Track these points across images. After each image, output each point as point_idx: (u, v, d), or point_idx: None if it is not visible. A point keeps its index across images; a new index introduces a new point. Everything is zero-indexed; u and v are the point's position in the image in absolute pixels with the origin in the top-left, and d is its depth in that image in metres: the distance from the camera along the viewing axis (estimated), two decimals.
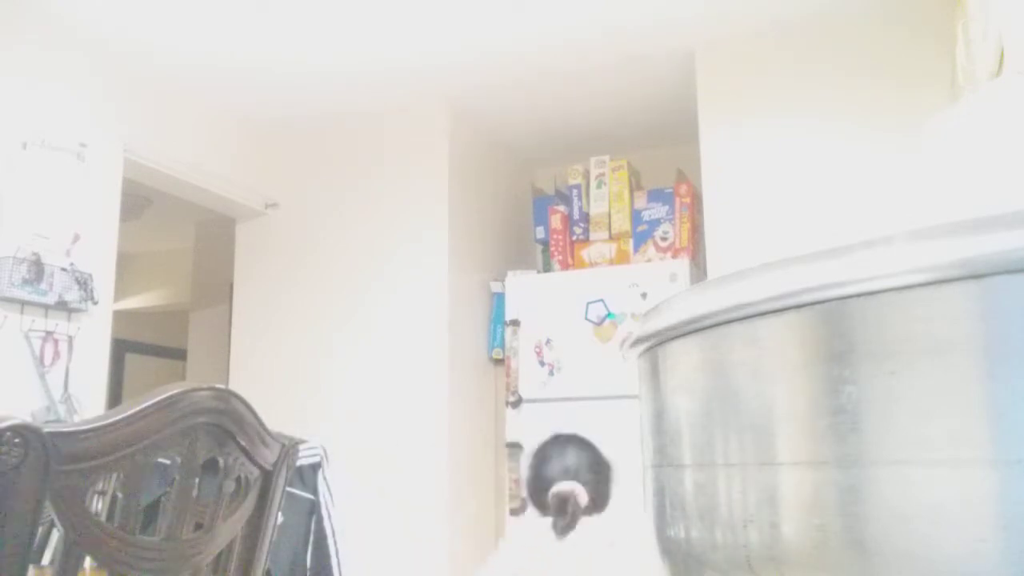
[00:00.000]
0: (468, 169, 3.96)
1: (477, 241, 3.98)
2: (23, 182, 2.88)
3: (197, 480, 1.08)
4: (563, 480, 2.00)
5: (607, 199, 3.84)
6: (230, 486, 1.17)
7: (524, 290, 3.79)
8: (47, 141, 2.96)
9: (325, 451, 2.44)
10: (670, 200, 3.73)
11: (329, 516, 2.42)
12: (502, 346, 3.86)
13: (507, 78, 3.61)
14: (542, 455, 2.10)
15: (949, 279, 0.74)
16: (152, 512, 1.10)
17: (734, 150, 3.27)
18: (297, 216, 4.04)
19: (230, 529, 1.19)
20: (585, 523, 1.95)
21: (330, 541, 2.41)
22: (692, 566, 1.01)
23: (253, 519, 1.25)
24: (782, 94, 3.22)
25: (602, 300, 3.60)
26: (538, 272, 3.94)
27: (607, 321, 3.58)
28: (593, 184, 3.87)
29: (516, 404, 3.69)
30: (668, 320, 1.02)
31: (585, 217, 3.86)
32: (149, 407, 1.00)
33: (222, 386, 1.13)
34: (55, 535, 1.39)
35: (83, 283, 2.98)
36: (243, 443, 1.16)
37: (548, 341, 3.67)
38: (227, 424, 1.13)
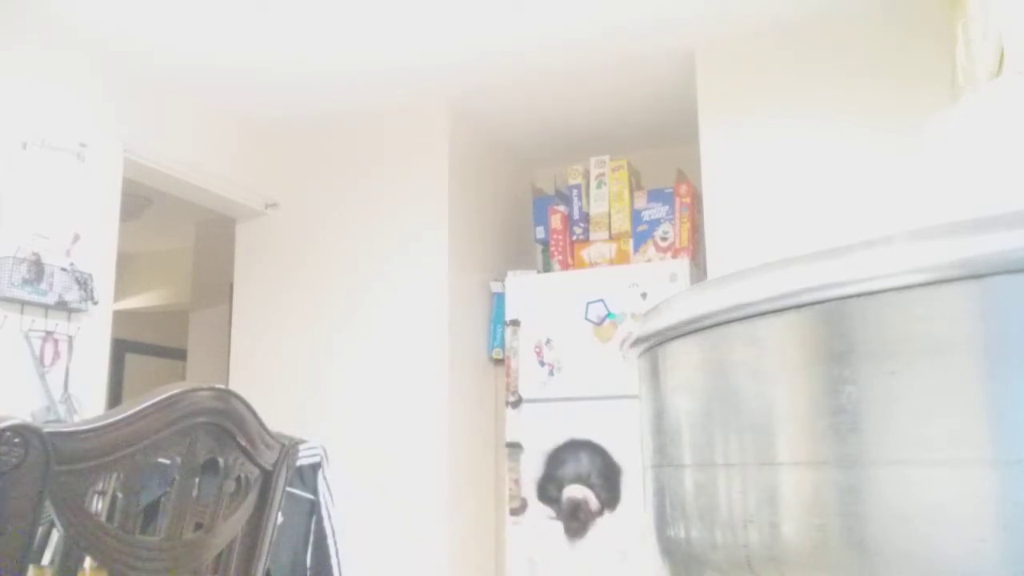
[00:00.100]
0: (468, 169, 3.96)
1: (477, 241, 3.98)
2: (23, 182, 2.88)
3: (197, 480, 1.08)
4: (574, 483, 2.03)
5: (607, 199, 3.84)
6: (230, 486, 1.17)
7: (524, 290, 3.79)
8: (47, 141, 2.96)
9: (325, 451, 2.44)
10: (670, 200, 3.73)
11: (329, 516, 2.41)
12: (502, 346, 3.86)
13: (507, 78, 3.61)
14: (557, 458, 2.14)
15: (949, 279, 0.74)
16: (152, 512, 1.10)
17: (734, 150, 3.27)
18: (297, 216, 4.04)
19: (230, 529, 1.19)
20: (597, 527, 1.97)
21: (330, 541, 2.41)
22: (692, 566, 1.01)
23: (253, 519, 1.25)
24: (782, 94, 3.22)
25: (602, 300, 3.60)
26: (538, 272, 3.94)
27: (607, 321, 3.58)
28: (593, 184, 3.87)
29: (516, 404, 3.69)
30: (668, 320, 1.02)
31: (585, 217, 3.86)
32: (149, 407, 1.00)
33: (222, 386, 1.13)
34: (55, 535, 1.39)
35: (83, 283, 2.98)
36: (243, 443, 1.17)
37: (548, 341, 3.67)
38: (227, 424, 1.13)
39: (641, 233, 3.75)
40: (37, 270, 2.84)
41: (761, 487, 0.87)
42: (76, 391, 2.96)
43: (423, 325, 3.66)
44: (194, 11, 3.03)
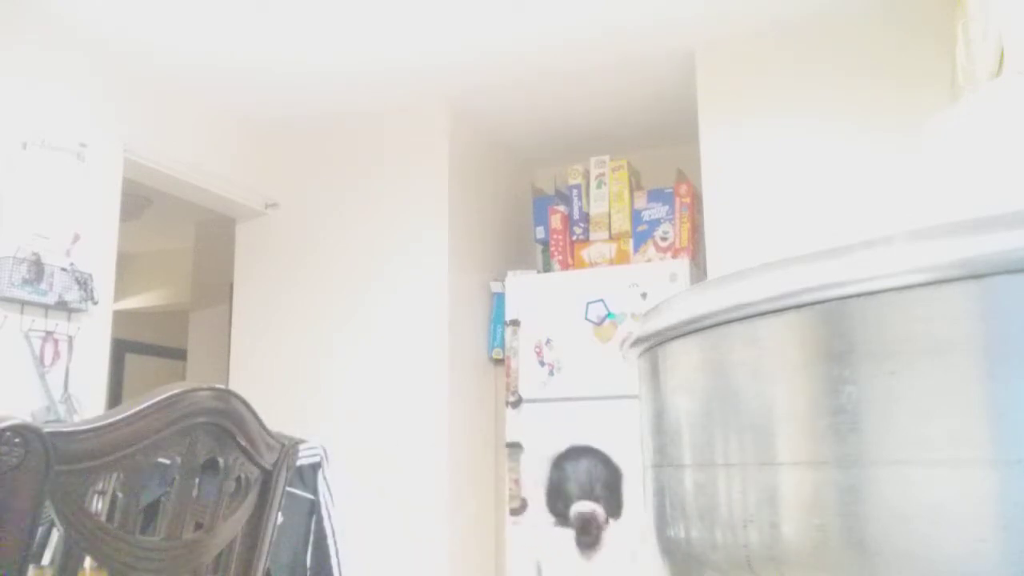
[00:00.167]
0: (468, 169, 3.96)
1: (477, 241, 3.98)
2: (23, 182, 2.88)
3: (197, 480, 1.08)
4: (582, 498, 2.07)
5: (607, 199, 3.84)
6: (230, 486, 1.17)
7: (524, 290, 3.79)
8: (47, 141, 2.96)
9: (325, 451, 2.44)
10: (670, 200, 3.73)
11: (329, 516, 2.41)
12: (502, 346, 3.86)
13: (507, 78, 3.61)
14: (560, 467, 2.18)
15: (949, 279, 0.74)
16: (152, 512, 1.10)
17: (734, 150, 3.27)
18: (297, 216, 4.04)
19: (230, 529, 1.19)
20: (606, 537, 2.02)
21: (330, 541, 2.41)
22: (692, 566, 1.01)
23: (253, 519, 1.25)
24: (782, 94, 3.22)
25: (602, 300, 3.60)
26: (538, 272, 3.94)
27: (607, 321, 3.58)
28: (593, 184, 3.87)
29: (516, 404, 3.69)
30: (668, 320, 1.02)
31: (585, 217, 3.86)
32: (149, 407, 1.00)
33: (222, 386, 1.13)
34: (55, 535, 1.39)
35: (83, 283, 2.99)
36: (243, 443, 1.17)
37: (548, 341, 3.67)
38: (227, 424, 1.13)
39: (641, 233, 3.75)
40: (37, 270, 2.84)
41: (761, 487, 0.87)
42: (76, 391, 2.96)
43: (423, 325, 3.66)
44: (194, 11, 3.03)
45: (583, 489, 2.12)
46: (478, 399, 3.86)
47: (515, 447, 3.62)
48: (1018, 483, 0.69)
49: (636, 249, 3.74)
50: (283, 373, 3.86)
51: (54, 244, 2.94)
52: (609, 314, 3.58)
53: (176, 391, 1.04)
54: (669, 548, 1.06)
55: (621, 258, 3.76)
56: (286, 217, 4.06)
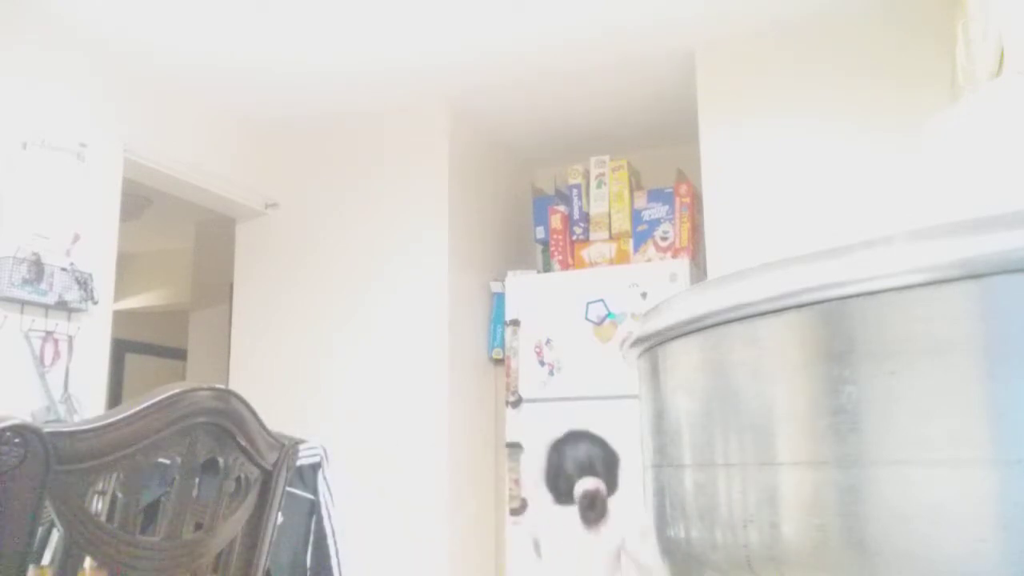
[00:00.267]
0: (468, 169, 3.96)
1: (477, 241, 3.98)
2: (23, 182, 2.88)
3: (197, 480, 1.08)
4: (583, 476, 2.14)
5: (607, 199, 3.84)
6: (230, 486, 1.17)
7: (524, 290, 3.79)
8: (47, 141, 2.96)
9: (325, 451, 2.44)
10: (670, 200, 3.73)
11: (329, 516, 2.41)
12: (502, 346, 3.86)
13: (507, 78, 3.61)
14: (559, 449, 2.24)
15: (949, 279, 0.74)
16: (152, 512, 1.10)
17: (734, 150, 3.27)
18: (297, 216, 4.04)
19: (230, 529, 1.19)
20: (613, 514, 2.11)
21: (330, 541, 2.41)
22: (692, 566, 1.01)
23: (253, 519, 1.25)
24: (782, 94, 3.22)
25: (602, 300, 3.60)
26: (538, 272, 3.94)
27: (607, 321, 3.58)
28: (593, 184, 3.87)
29: (516, 404, 3.69)
30: (668, 320, 1.02)
31: (585, 217, 3.86)
32: (149, 407, 1.00)
33: (222, 386, 1.13)
34: (55, 535, 1.39)
35: (83, 283, 2.98)
36: (243, 443, 1.17)
37: (548, 341, 3.67)
38: (227, 424, 1.13)
39: (641, 233, 3.74)
40: (37, 270, 2.84)
41: (761, 487, 0.87)
42: (76, 391, 2.96)
43: (423, 325, 3.66)
44: (194, 11, 3.03)
45: (586, 468, 2.21)
46: (478, 399, 3.86)
47: (515, 447, 3.62)
48: (1018, 483, 0.69)
49: (636, 249, 3.74)
50: (283, 373, 3.86)
51: (54, 244, 2.94)
52: (609, 314, 3.58)
53: (176, 391, 1.04)
54: (669, 548, 1.06)
55: (621, 258, 3.76)
56: (286, 217, 4.06)
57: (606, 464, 2.21)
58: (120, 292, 3.70)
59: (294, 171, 4.08)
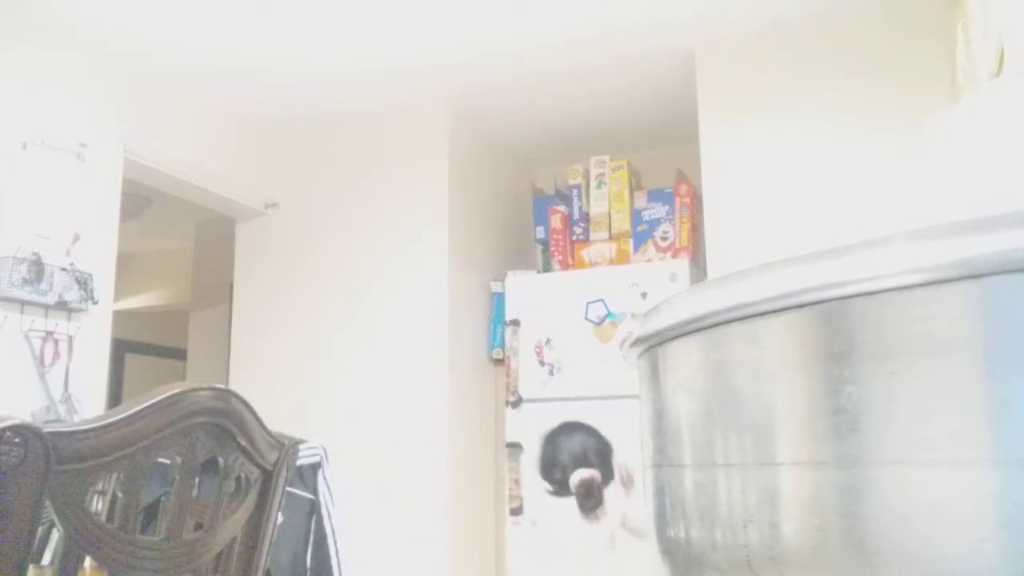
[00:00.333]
0: (468, 169, 3.96)
1: (477, 241, 3.98)
2: (23, 182, 2.88)
3: (197, 480, 1.08)
4: (578, 466, 2.18)
5: (607, 199, 3.84)
6: (230, 486, 1.17)
7: (524, 290, 3.79)
8: (47, 141, 2.96)
9: (325, 451, 2.44)
10: (670, 200, 3.73)
11: (329, 516, 2.41)
12: (502, 346, 3.86)
13: (507, 78, 3.61)
14: (553, 440, 2.28)
15: (949, 279, 0.74)
16: (152, 512, 1.10)
17: (734, 150, 3.27)
18: (297, 216, 4.04)
19: (230, 529, 1.19)
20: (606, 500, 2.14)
21: (330, 541, 2.41)
22: (692, 566, 1.01)
23: (253, 519, 1.25)
24: (782, 94, 3.22)
25: (602, 300, 3.60)
26: (538, 272, 3.94)
27: (607, 321, 3.58)
28: (593, 184, 3.87)
29: (516, 404, 3.69)
30: (668, 320, 1.02)
31: (585, 217, 3.86)
32: (149, 407, 1.00)
33: (222, 386, 1.13)
34: (55, 535, 1.39)
35: (83, 283, 2.99)
36: (243, 443, 1.17)
37: (548, 341, 3.67)
38: (227, 424, 1.13)
39: (641, 233, 3.75)
40: (37, 270, 2.84)
41: (761, 487, 0.87)
42: (76, 391, 2.96)
43: (423, 325, 3.66)
44: (194, 11, 3.03)
45: (580, 458, 2.25)
46: (478, 399, 3.86)
47: (515, 447, 3.62)
48: (1018, 483, 0.69)
49: (636, 249, 3.74)
50: (283, 373, 3.86)
51: (54, 244, 2.94)
52: (609, 314, 3.58)
53: (176, 391, 1.04)
54: (669, 548, 1.06)
55: (621, 258, 3.76)
56: (286, 217, 4.06)
57: (600, 454, 2.24)
58: (120, 292, 3.70)
59: (294, 171, 4.08)
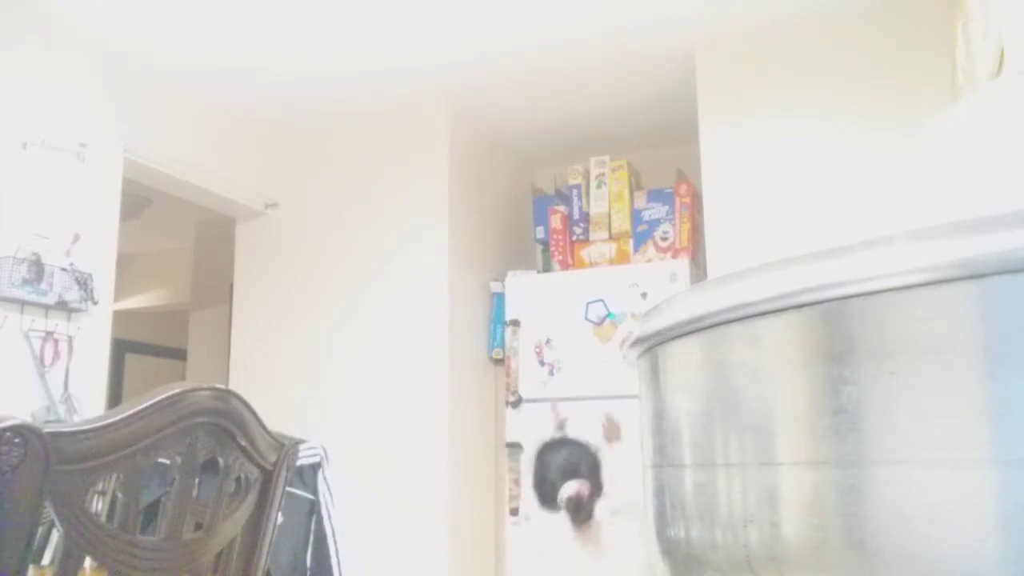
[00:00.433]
0: (468, 169, 3.96)
1: (477, 241, 3.98)
2: (23, 182, 2.88)
3: (197, 480, 1.08)
4: (569, 480, 2.18)
5: (607, 199, 3.84)
6: (230, 486, 1.17)
7: (524, 290, 3.79)
8: (47, 141, 2.96)
9: (325, 451, 2.44)
10: (670, 200, 3.73)
11: (329, 516, 2.41)
12: (502, 346, 3.86)
13: (507, 78, 3.61)
14: (540, 461, 2.30)
15: (949, 279, 0.74)
16: (152, 512, 1.10)
17: (734, 150, 3.27)
18: (297, 216, 4.04)
19: (230, 529, 1.19)
20: (596, 512, 2.15)
21: (330, 541, 2.40)
22: (692, 566, 1.01)
23: (253, 519, 1.25)
24: (782, 94, 3.22)
25: (602, 300, 3.60)
26: (538, 272, 3.94)
27: (607, 321, 3.58)
28: (593, 184, 3.87)
29: (516, 404, 3.69)
30: (668, 320, 1.02)
31: (585, 217, 3.86)
32: (149, 407, 1.00)
33: (222, 386, 1.13)
34: (55, 535, 1.39)
35: (83, 283, 2.98)
36: (243, 443, 1.17)
37: (548, 341, 3.67)
38: (227, 424, 1.13)
39: (641, 233, 3.75)
40: (37, 270, 2.84)
41: (761, 487, 0.87)
42: (76, 391, 2.96)
43: (423, 325, 3.66)
44: (194, 11, 3.03)
45: (569, 472, 2.27)
46: (478, 399, 3.86)
47: (515, 447, 3.62)
48: (1018, 483, 0.69)
49: (636, 249, 3.74)
50: (283, 373, 3.86)
51: (54, 244, 2.94)
52: (609, 314, 3.58)
53: (176, 391, 1.04)
54: (669, 548, 1.06)
55: (621, 258, 3.76)
56: (286, 217, 4.06)
57: (588, 466, 2.25)
58: (120, 292, 3.70)
59: (294, 171, 4.08)
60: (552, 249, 3.90)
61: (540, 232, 3.99)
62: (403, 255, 3.77)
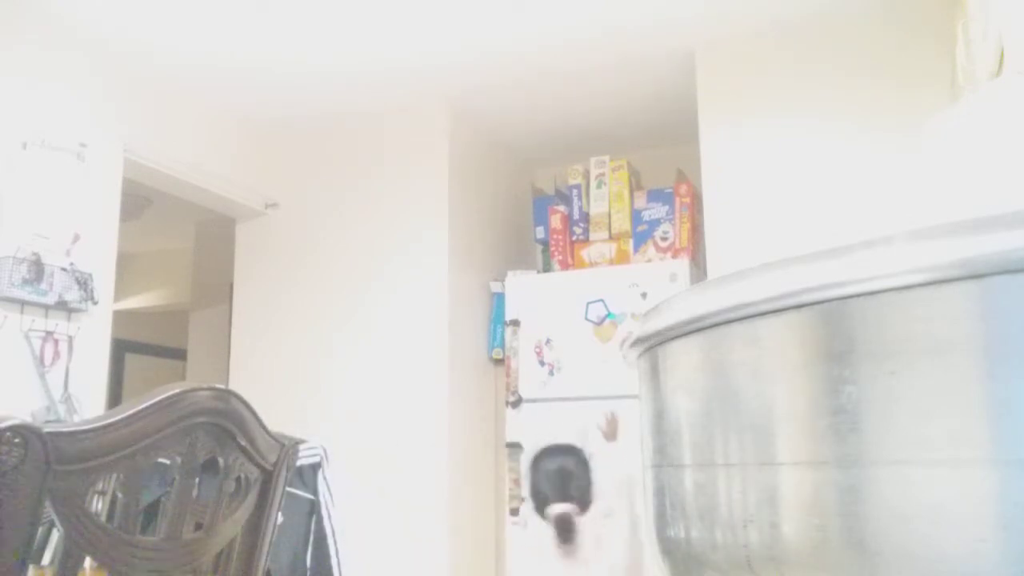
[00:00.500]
0: (468, 169, 3.96)
1: (477, 241, 3.98)
2: (23, 182, 2.88)
3: (197, 480, 1.09)
4: (558, 500, 2.24)
5: (607, 199, 3.84)
6: (230, 486, 1.17)
7: (524, 290, 3.79)
8: (47, 141, 2.96)
9: (325, 451, 2.44)
10: (670, 200, 3.73)
11: (329, 516, 2.41)
12: (502, 346, 3.86)
13: (507, 78, 3.61)
14: (536, 468, 2.34)
15: (949, 279, 0.74)
16: (152, 512, 1.10)
17: (734, 150, 3.27)
18: (297, 216, 4.04)
19: (230, 529, 1.19)
20: (581, 531, 2.18)
21: (330, 541, 2.41)
22: (692, 566, 1.01)
23: (253, 519, 1.25)
24: (782, 94, 3.22)
25: (602, 300, 3.60)
26: (538, 272, 3.94)
27: (607, 321, 3.58)
28: (593, 184, 3.87)
29: (516, 404, 3.69)
30: (668, 320, 1.02)
31: (585, 217, 3.86)
32: (149, 407, 1.00)
33: (222, 386, 1.13)
34: (55, 535, 1.39)
35: (83, 283, 2.98)
36: (243, 443, 1.17)
37: (548, 341, 3.67)
38: (227, 424, 1.13)
39: (641, 233, 3.74)
40: (37, 270, 2.83)
41: (761, 487, 0.87)
42: (76, 391, 2.96)
43: (423, 325, 3.66)
44: (194, 11, 3.03)
45: (558, 490, 2.32)
46: (478, 399, 3.86)
47: (515, 447, 3.62)
48: (1018, 483, 0.69)
49: (636, 249, 3.74)
50: (283, 373, 3.86)
51: (54, 244, 2.94)
52: (609, 314, 3.58)
53: (176, 391, 1.04)
54: (669, 548, 1.06)
55: (621, 258, 3.76)
56: (286, 217, 4.06)
57: (579, 482, 2.30)
58: (120, 292, 3.70)
59: (294, 171, 4.08)
60: (552, 249, 3.90)
61: (540, 232, 3.99)
62: (403, 255, 3.77)
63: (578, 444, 2.38)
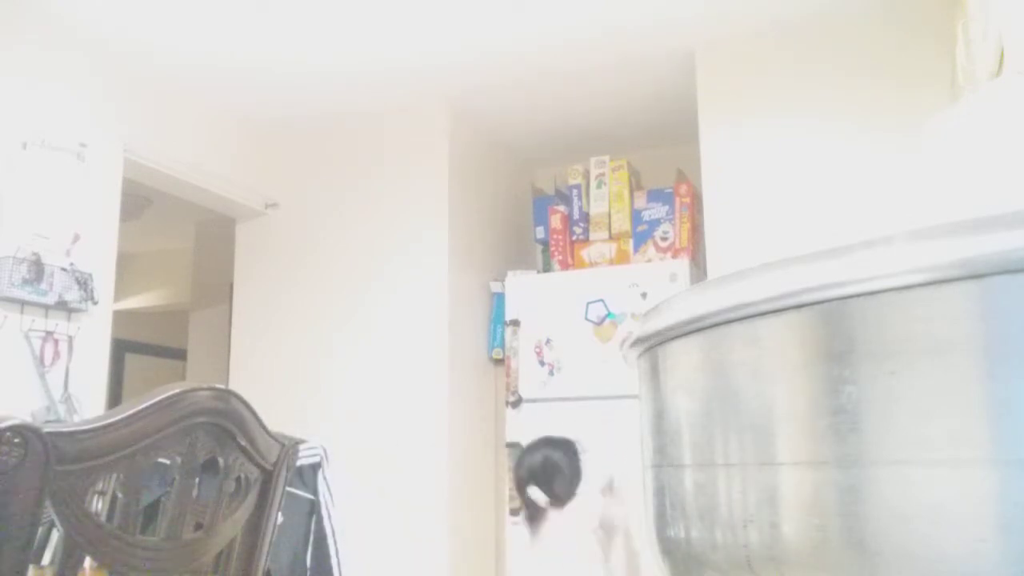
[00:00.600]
0: (468, 169, 3.96)
1: (477, 241, 3.98)
2: (23, 182, 2.88)
3: (197, 480, 1.09)
4: (531, 483, 2.28)
5: (607, 199, 3.83)
6: (230, 486, 1.17)
7: (524, 290, 3.79)
8: (47, 141, 2.96)
9: (325, 451, 2.44)
10: (670, 200, 3.73)
11: (329, 516, 2.41)
12: (502, 346, 3.86)
13: (507, 78, 3.61)
14: (521, 459, 2.38)
15: (949, 279, 0.74)
16: (152, 512, 1.10)
17: (734, 150, 3.27)
18: (297, 216, 4.04)
19: (230, 529, 1.19)
20: (549, 521, 2.24)
21: (330, 541, 2.41)
22: (692, 566, 1.01)
23: (253, 519, 1.25)
24: (782, 94, 3.22)
25: (602, 300, 3.60)
26: (538, 272, 3.94)
27: (607, 321, 3.58)
28: (593, 184, 3.87)
29: (516, 404, 3.69)
30: (668, 320, 1.02)
31: (585, 217, 3.86)
32: (149, 407, 1.00)
33: (222, 386, 1.13)
34: (55, 535, 1.39)
35: (83, 283, 2.98)
36: (243, 443, 1.17)
37: (548, 341, 3.67)
38: (227, 424, 1.13)
39: (641, 233, 3.74)
40: (37, 270, 2.83)
41: (761, 487, 0.87)
42: (76, 391, 2.96)
43: (423, 325, 3.66)
44: (194, 11, 3.03)
45: (534, 475, 2.35)
46: (478, 399, 3.86)
47: (515, 447, 3.62)
48: (1018, 483, 0.69)
49: (636, 249, 3.74)
50: (283, 373, 3.86)
51: (54, 244, 2.94)
52: (609, 314, 3.58)
53: (176, 391, 1.04)
54: (669, 548, 1.06)
55: (621, 258, 3.76)
56: (286, 217, 4.06)
57: (563, 476, 2.34)
58: (120, 292, 3.70)
59: (294, 171, 4.08)
60: (552, 249, 3.90)
61: (540, 232, 3.99)
62: (403, 255, 3.77)
63: (572, 437, 2.41)
